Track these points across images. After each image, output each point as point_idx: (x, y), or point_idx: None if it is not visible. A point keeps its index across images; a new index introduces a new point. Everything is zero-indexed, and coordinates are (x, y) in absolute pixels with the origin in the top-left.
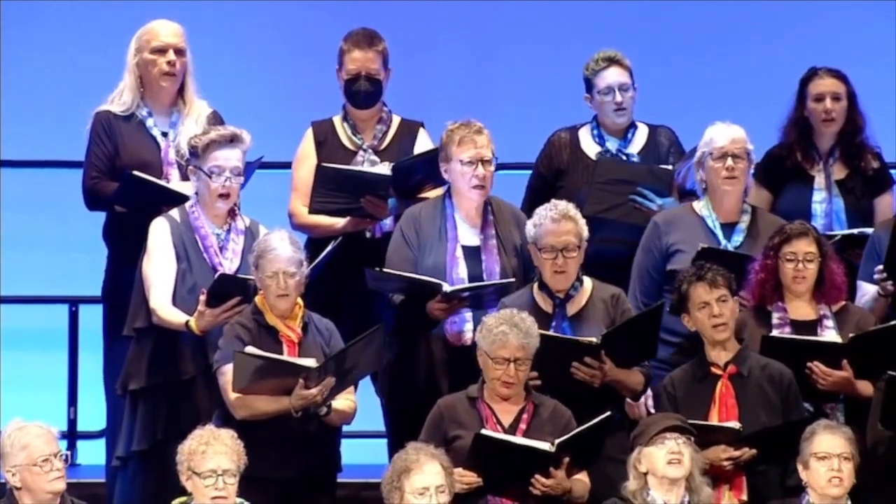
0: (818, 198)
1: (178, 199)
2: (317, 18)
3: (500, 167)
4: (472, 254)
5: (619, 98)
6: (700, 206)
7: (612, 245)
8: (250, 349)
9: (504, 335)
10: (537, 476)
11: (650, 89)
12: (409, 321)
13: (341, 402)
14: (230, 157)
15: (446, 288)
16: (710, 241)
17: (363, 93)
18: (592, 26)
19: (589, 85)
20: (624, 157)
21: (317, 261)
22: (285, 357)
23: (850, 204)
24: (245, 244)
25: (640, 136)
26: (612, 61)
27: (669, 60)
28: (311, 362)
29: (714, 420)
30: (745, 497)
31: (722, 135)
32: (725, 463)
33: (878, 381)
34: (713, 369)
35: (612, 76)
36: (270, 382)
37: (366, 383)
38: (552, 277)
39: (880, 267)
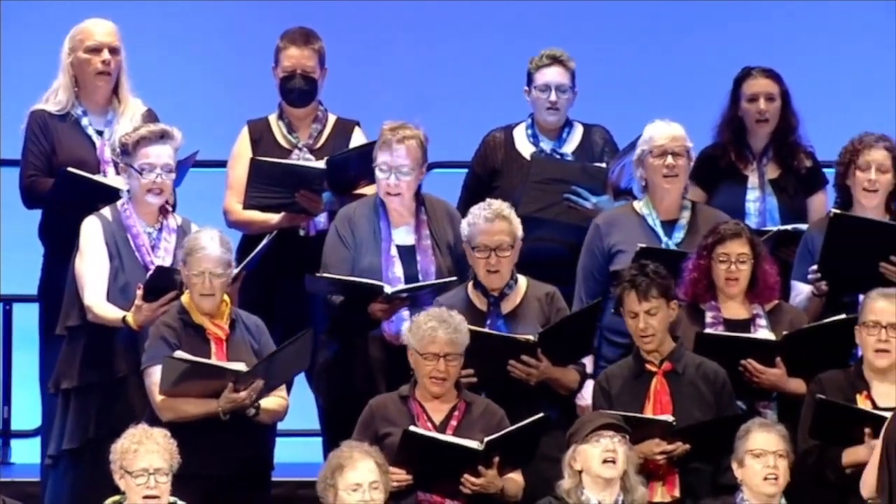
0: (752, 196)
1: (114, 194)
2: (253, 17)
3: (438, 165)
4: (407, 253)
5: (553, 97)
6: (640, 205)
7: (547, 244)
8: (179, 353)
9: (433, 331)
10: (467, 475)
11: (589, 87)
12: (349, 322)
13: (272, 400)
14: (161, 154)
15: (388, 289)
16: (650, 240)
17: (298, 91)
18: (532, 25)
19: (530, 79)
20: (558, 157)
21: (250, 257)
22: (214, 361)
23: (783, 202)
24: (177, 242)
25: (575, 136)
26: (555, 60)
27: (608, 59)
28: (240, 366)
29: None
30: (677, 493)
31: (661, 132)
32: (659, 457)
33: (810, 384)
34: (648, 366)
35: (552, 75)
36: (198, 385)
37: (301, 382)
38: (486, 277)
39: (815, 267)
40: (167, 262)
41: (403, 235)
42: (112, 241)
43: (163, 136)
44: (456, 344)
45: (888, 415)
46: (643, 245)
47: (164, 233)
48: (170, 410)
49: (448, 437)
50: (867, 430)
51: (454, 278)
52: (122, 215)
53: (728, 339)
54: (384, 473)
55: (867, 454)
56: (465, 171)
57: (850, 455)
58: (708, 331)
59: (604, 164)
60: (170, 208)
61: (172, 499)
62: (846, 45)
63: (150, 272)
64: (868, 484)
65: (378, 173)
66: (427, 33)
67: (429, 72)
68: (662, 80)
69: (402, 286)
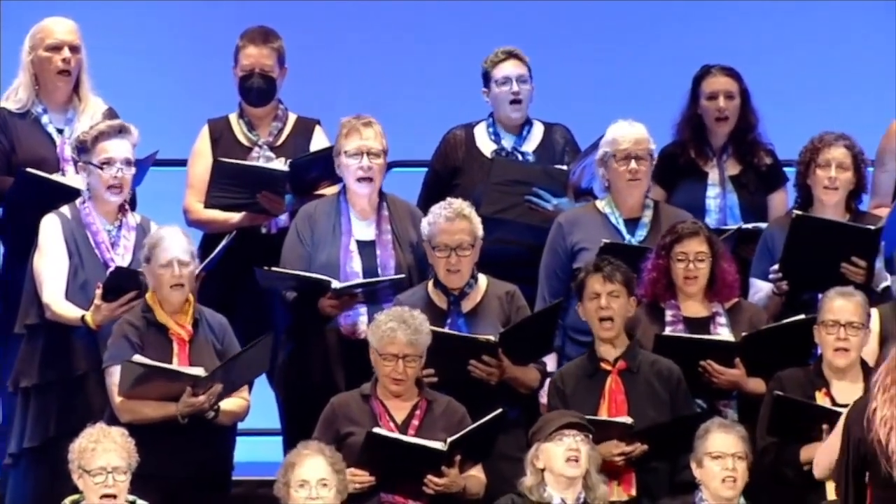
0: (712, 193)
1: (74, 194)
2: (214, 17)
3: (397, 164)
4: (367, 248)
5: (515, 88)
6: (603, 204)
7: (508, 245)
8: (138, 358)
9: (392, 332)
10: (430, 476)
11: (548, 87)
12: (302, 318)
13: (232, 401)
14: (120, 149)
15: (335, 285)
16: (613, 238)
17: (256, 89)
18: (491, 25)
19: (487, 79)
20: (519, 156)
21: (210, 256)
22: (173, 367)
23: (743, 199)
24: (136, 240)
25: (536, 134)
26: (510, 55)
27: (567, 58)
28: (198, 371)
29: (603, 415)
30: (633, 492)
31: (625, 135)
32: (617, 458)
33: (770, 382)
34: (602, 365)
35: (510, 68)
36: (157, 388)
37: (261, 381)
38: (446, 276)
39: (775, 267)
40: (126, 260)
41: (364, 230)
42: (71, 238)
43: (121, 131)
44: (415, 345)
45: (844, 410)
46: (607, 241)
47: (123, 230)
48: (129, 412)
49: (412, 439)
50: (825, 427)
51: (403, 276)
52: (81, 213)
53: (687, 340)
54: (337, 473)
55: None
56: (425, 170)
57: (808, 452)
58: (667, 332)
59: (565, 167)
60: (128, 206)
61: (132, 497)
62: (806, 44)
63: (110, 272)
64: (821, 465)
65: (348, 160)
66: (385, 33)
67: (387, 71)
68: (622, 79)
69: (349, 282)
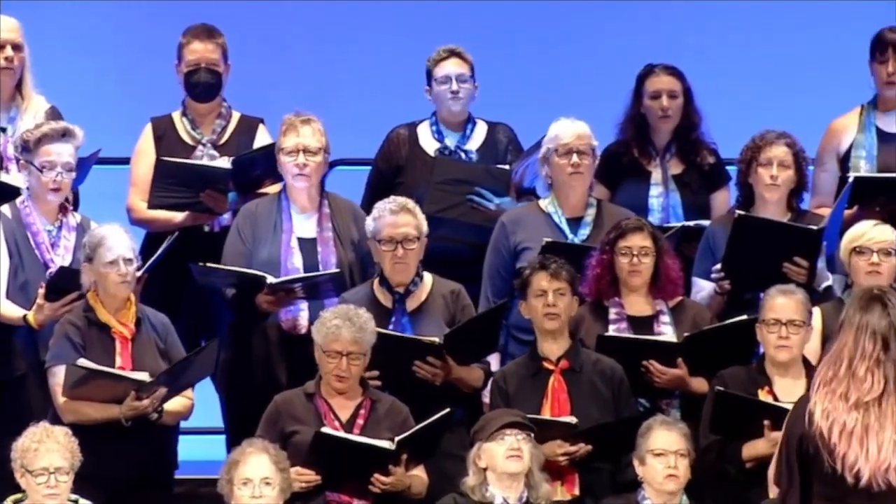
0: (655, 192)
1: (15, 192)
2: (156, 16)
3: (341, 163)
4: (308, 245)
5: (455, 87)
6: (546, 202)
7: (450, 244)
8: (83, 362)
9: (337, 329)
10: (377, 475)
11: (492, 86)
12: (241, 314)
13: (176, 401)
14: (62, 152)
15: (270, 280)
16: (556, 237)
17: (203, 84)
18: (436, 24)
19: (430, 77)
20: (462, 154)
21: (153, 258)
22: (117, 371)
23: (686, 198)
24: (76, 240)
25: (479, 133)
26: (452, 53)
27: (511, 58)
28: (143, 376)
29: (546, 415)
30: (577, 492)
31: (567, 131)
32: (561, 458)
33: (713, 381)
34: (545, 364)
35: (451, 66)
36: (101, 390)
37: (204, 380)
38: (392, 270)
39: (718, 266)
40: (67, 261)
41: (305, 227)
42: (11, 238)
43: (65, 135)
44: (360, 343)
45: (786, 405)
46: (549, 240)
47: (63, 231)
48: (72, 413)
49: (361, 439)
50: (766, 423)
51: (339, 270)
52: (21, 213)
53: (629, 340)
54: (281, 471)
55: (767, 447)
56: (368, 168)
57: (750, 449)
58: (609, 332)
59: (507, 166)
60: (69, 206)
61: (74, 497)
62: (748, 44)
63: (53, 272)
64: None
65: (285, 158)
66: (329, 31)
67: (331, 70)
68: (566, 78)
69: (284, 277)
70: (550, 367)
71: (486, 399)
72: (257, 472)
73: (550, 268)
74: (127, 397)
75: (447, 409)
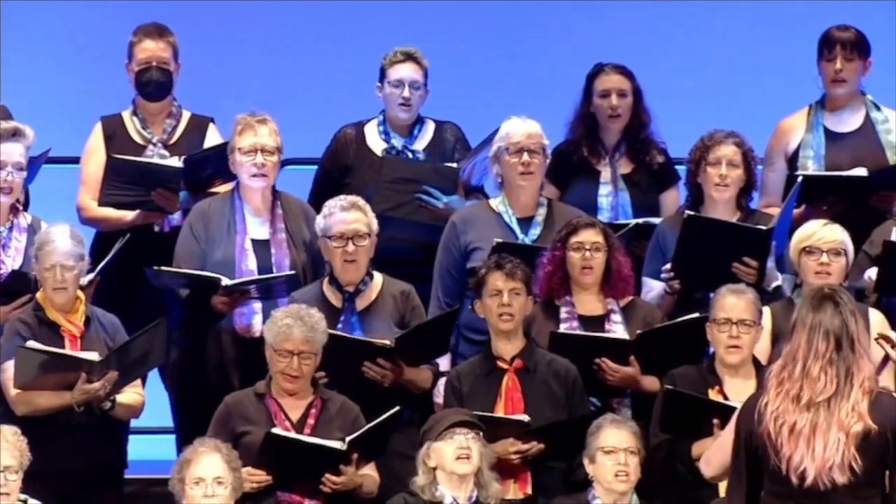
0: (604, 191)
1: None
2: (106, 16)
3: (291, 162)
4: (262, 247)
5: (406, 94)
6: (496, 202)
7: (399, 243)
8: (32, 343)
9: (288, 328)
10: (328, 475)
11: (441, 85)
12: (196, 316)
13: (128, 395)
14: (12, 152)
15: (226, 282)
16: (507, 237)
17: (155, 82)
18: (383, 24)
19: (382, 75)
20: (410, 155)
21: (104, 261)
22: (67, 351)
23: (635, 197)
24: (28, 241)
25: (427, 133)
26: (409, 57)
27: (461, 57)
28: (93, 356)
29: (500, 414)
30: (529, 491)
31: (518, 130)
32: (513, 456)
33: (663, 380)
34: (499, 363)
35: (406, 71)
36: (53, 377)
37: (154, 378)
38: (342, 267)
39: (668, 266)
40: (17, 262)
41: (258, 229)
42: None
43: (14, 134)
44: (311, 342)
45: (735, 404)
46: (499, 240)
47: (14, 232)
48: (24, 404)
49: (311, 439)
50: (716, 422)
51: (294, 272)
52: None
53: (581, 337)
54: (233, 471)
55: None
56: (314, 167)
57: (700, 448)
58: (561, 330)
59: (455, 165)
60: (20, 207)
61: (23, 496)
62: (697, 43)
63: (6, 276)
64: (712, 463)
65: (242, 157)
66: (276, 31)
67: (278, 69)
68: (515, 77)
69: (239, 279)
70: (504, 366)
71: (437, 399)
72: (210, 472)
73: (506, 267)
74: (78, 382)
75: (396, 408)
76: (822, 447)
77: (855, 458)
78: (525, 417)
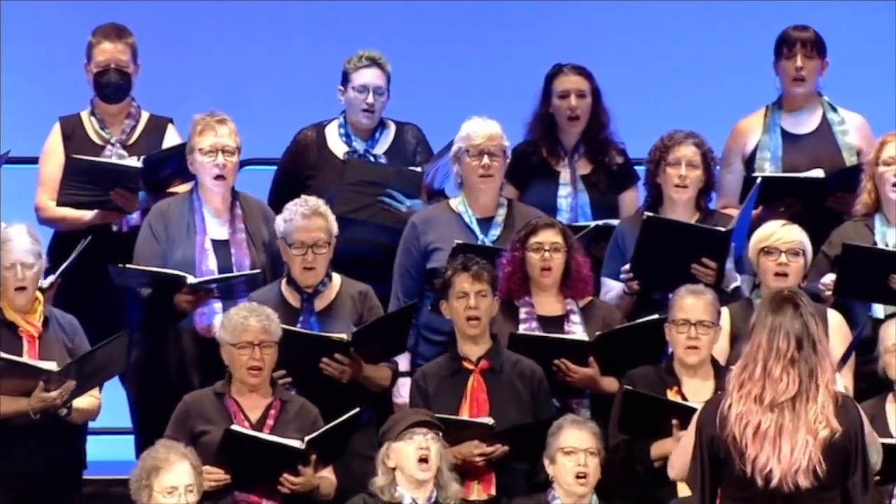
0: (563, 192)
1: None
2: (65, 15)
3: (250, 162)
4: (221, 247)
5: (370, 99)
6: (456, 202)
7: (360, 245)
8: None
9: (245, 319)
10: (286, 475)
11: (403, 85)
12: (157, 315)
13: (84, 399)
14: None
15: (191, 280)
16: (467, 238)
17: (113, 85)
18: (342, 23)
19: (345, 79)
20: (371, 158)
21: (66, 263)
22: (26, 360)
23: (594, 198)
24: None
25: (388, 136)
26: (373, 62)
27: (421, 57)
28: (52, 366)
29: (465, 415)
30: (493, 492)
31: (478, 131)
32: (478, 459)
33: (622, 380)
34: (465, 364)
35: (369, 76)
36: (10, 383)
37: (113, 380)
38: (301, 273)
39: (627, 267)
40: None
41: (217, 229)
42: None
43: None
44: (269, 332)
45: (695, 405)
46: (459, 241)
47: None
48: None
49: (271, 437)
50: (674, 422)
51: (258, 271)
52: None
53: (540, 338)
54: (199, 475)
55: (675, 447)
56: (271, 168)
57: (659, 448)
58: (521, 330)
59: (419, 168)
60: None
61: None
62: (656, 44)
63: None
64: (676, 466)
65: (203, 158)
66: (235, 31)
67: (235, 70)
68: (475, 78)
69: (204, 277)
70: (470, 367)
71: (398, 399)
72: (182, 480)
73: (472, 269)
74: (35, 391)
75: (356, 409)
76: (788, 449)
77: (820, 463)
78: (489, 420)
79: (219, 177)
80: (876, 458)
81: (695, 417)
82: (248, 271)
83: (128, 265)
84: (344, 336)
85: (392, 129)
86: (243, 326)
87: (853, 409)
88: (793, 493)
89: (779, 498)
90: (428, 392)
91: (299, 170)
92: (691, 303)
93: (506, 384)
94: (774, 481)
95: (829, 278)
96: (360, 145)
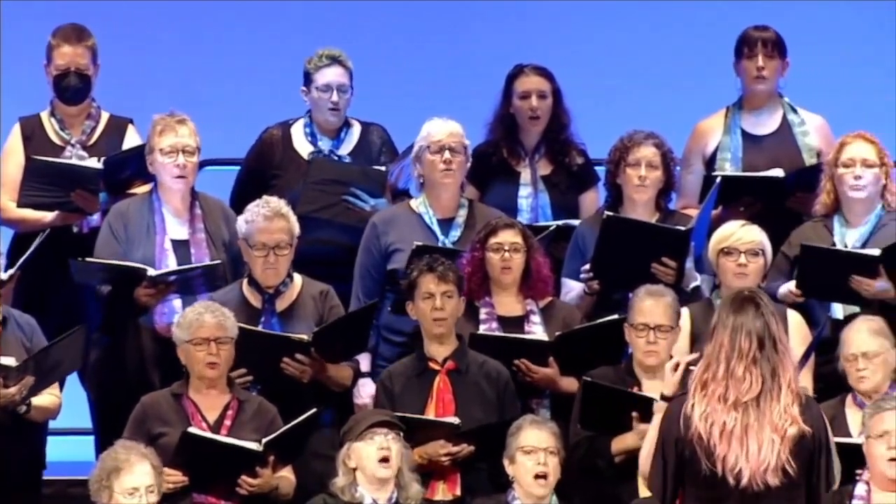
0: (524, 193)
1: None
2: (24, 15)
3: (210, 163)
4: (181, 246)
5: (335, 98)
6: (417, 203)
7: (323, 246)
8: None
9: (200, 315)
10: (244, 477)
11: (365, 86)
12: (117, 311)
13: (44, 397)
14: None
15: (151, 272)
16: (427, 239)
17: (73, 88)
18: (305, 23)
19: (308, 79)
20: (336, 158)
21: (23, 257)
22: None
23: (555, 199)
24: None
25: (353, 136)
26: (334, 60)
27: (383, 56)
28: (10, 361)
29: (431, 415)
30: (458, 492)
31: (439, 129)
32: (443, 459)
33: (582, 380)
34: (431, 364)
35: (332, 75)
36: None
37: (73, 379)
38: (263, 274)
39: (587, 266)
40: None
41: (177, 229)
42: None
43: None
44: (225, 328)
45: (654, 396)
46: (419, 243)
47: None
48: None
49: (228, 439)
50: (635, 415)
51: (218, 262)
52: None
53: (500, 339)
54: (159, 475)
55: (636, 440)
56: (236, 168)
57: (619, 443)
58: (481, 330)
59: (383, 168)
60: None
61: None
62: (616, 44)
63: None
64: (646, 471)
65: (163, 158)
66: (195, 31)
67: (195, 70)
68: (437, 78)
69: (164, 269)
70: (436, 367)
71: (358, 400)
72: (143, 481)
73: (438, 270)
74: None
75: (314, 409)
76: (756, 448)
77: (788, 461)
78: (455, 420)
79: (179, 177)
80: (834, 473)
81: (657, 420)
82: (207, 263)
83: (88, 259)
84: (304, 336)
85: (357, 128)
86: (199, 323)
87: (816, 409)
88: (762, 491)
89: (748, 497)
90: (394, 392)
91: (264, 168)
92: (650, 305)
93: (472, 385)
94: (744, 480)
95: (790, 286)
96: (325, 145)
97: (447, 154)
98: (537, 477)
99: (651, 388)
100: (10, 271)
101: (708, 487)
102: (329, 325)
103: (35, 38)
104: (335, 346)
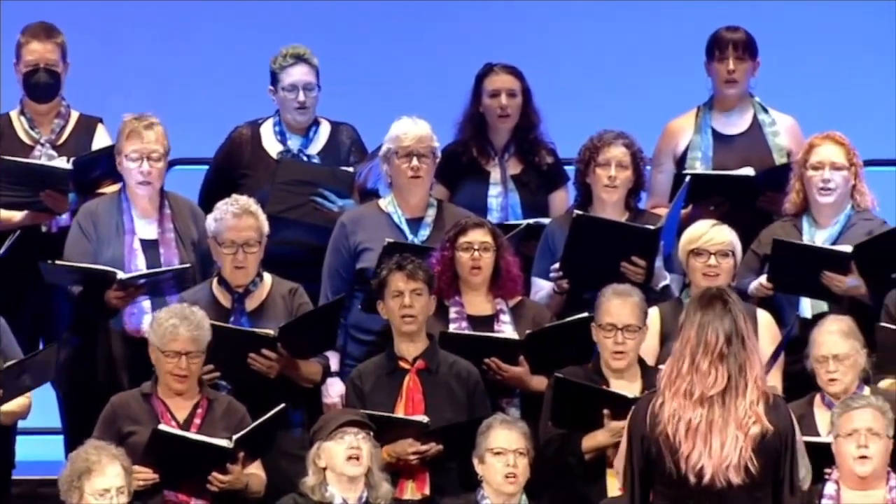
0: (494, 192)
1: None
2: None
3: (180, 162)
4: (150, 246)
5: (302, 97)
6: (386, 202)
7: (290, 246)
8: None
9: (174, 328)
10: (215, 474)
11: (333, 84)
12: (88, 312)
13: (14, 401)
14: None
15: (121, 275)
16: (396, 238)
17: (42, 85)
18: (273, 22)
19: (274, 79)
20: (305, 157)
21: None
22: None
23: (525, 198)
24: None
25: (322, 135)
26: (299, 59)
27: (351, 56)
28: None
29: (400, 414)
30: (427, 491)
31: (407, 133)
32: (412, 457)
33: (551, 379)
34: (401, 363)
35: (298, 74)
36: None
37: None
38: (232, 272)
39: (556, 266)
40: None
41: (146, 229)
42: None
43: None
44: (198, 342)
45: (625, 393)
46: (391, 240)
47: None
48: None
49: (198, 436)
50: (605, 412)
51: (188, 265)
52: None
53: (470, 337)
54: (129, 476)
55: (606, 438)
56: (205, 167)
57: (590, 440)
58: (451, 329)
59: (352, 169)
60: None
61: None
62: (585, 43)
63: None
64: (621, 472)
65: (128, 163)
66: (165, 30)
67: (166, 69)
68: (406, 76)
69: (133, 273)
70: (406, 366)
71: (327, 399)
72: (113, 482)
73: (407, 268)
74: None
75: (282, 405)
76: (719, 445)
77: (751, 459)
78: (424, 419)
79: (143, 183)
80: (804, 474)
81: (628, 420)
82: (176, 266)
83: (58, 262)
84: (270, 331)
85: (327, 128)
86: (172, 335)
87: (784, 409)
88: (725, 489)
89: (711, 495)
90: (364, 391)
91: (233, 168)
92: (618, 305)
93: (442, 384)
94: (706, 478)
95: (761, 280)
96: (294, 144)
97: (415, 160)
98: (507, 477)
99: (619, 387)
100: None
101: (673, 486)
102: (295, 321)
103: None
104: (302, 342)
